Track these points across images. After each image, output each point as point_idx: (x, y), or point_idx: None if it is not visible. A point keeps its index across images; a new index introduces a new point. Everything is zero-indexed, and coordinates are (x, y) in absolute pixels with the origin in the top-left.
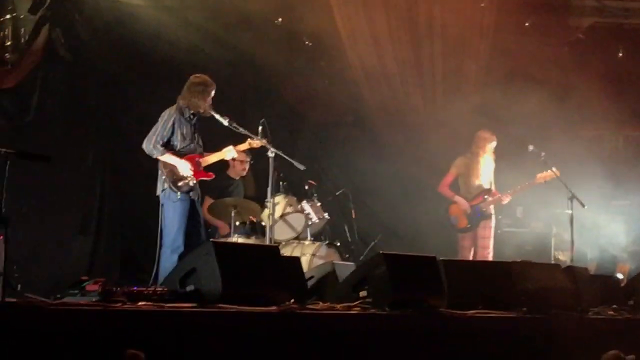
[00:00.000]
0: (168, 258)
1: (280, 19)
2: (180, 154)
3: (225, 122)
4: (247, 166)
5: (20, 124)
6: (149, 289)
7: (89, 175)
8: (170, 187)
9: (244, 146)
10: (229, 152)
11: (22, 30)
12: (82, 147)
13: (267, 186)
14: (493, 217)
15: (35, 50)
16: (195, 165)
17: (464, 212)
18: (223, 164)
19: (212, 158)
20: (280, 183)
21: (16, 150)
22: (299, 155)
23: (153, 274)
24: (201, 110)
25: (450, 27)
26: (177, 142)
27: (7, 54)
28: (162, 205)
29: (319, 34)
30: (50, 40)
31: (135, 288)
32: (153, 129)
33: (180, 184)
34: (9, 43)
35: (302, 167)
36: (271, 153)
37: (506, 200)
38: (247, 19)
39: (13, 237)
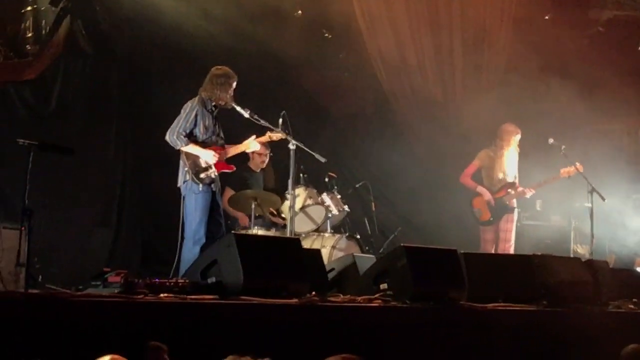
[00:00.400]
0: (190, 250)
1: (299, 11)
2: (203, 146)
3: (246, 114)
4: (266, 159)
5: (41, 115)
6: (171, 280)
7: (110, 167)
8: (193, 179)
9: (264, 138)
10: (252, 144)
11: (43, 22)
12: (103, 138)
13: (287, 178)
14: (516, 210)
15: (56, 42)
16: (219, 156)
17: (487, 204)
18: (243, 156)
19: (234, 150)
20: (301, 175)
21: (39, 142)
22: (319, 148)
23: (174, 266)
24: (222, 102)
25: (470, 18)
26: (200, 134)
27: (28, 46)
28: (184, 197)
29: (338, 25)
30: (72, 32)
31: (157, 280)
32: (176, 121)
33: (202, 175)
34: (30, 35)
35: (323, 160)
36: (292, 145)
37: (529, 194)
38: (266, 11)
39: (35, 229)
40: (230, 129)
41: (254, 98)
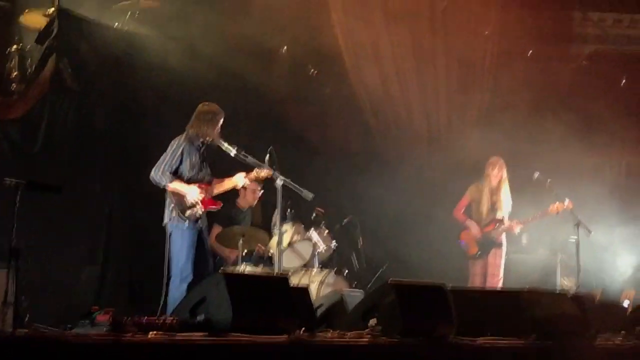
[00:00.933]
0: (177, 288)
1: (285, 47)
2: (188, 183)
3: (233, 152)
4: (258, 195)
5: (28, 154)
6: (159, 318)
7: (97, 205)
8: (179, 216)
9: (252, 176)
10: (240, 180)
11: (29, 60)
12: (90, 176)
13: (275, 214)
14: (504, 245)
15: (42, 81)
16: (204, 194)
17: (475, 238)
18: (232, 193)
19: (221, 187)
20: (288, 211)
21: (27, 181)
22: (306, 183)
23: (161, 304)
24: (210, 139)
25: (454, 54)
26: (186, 171)
27: (14, 85)
28: (170, 234)
29: (323, 61)
30: (58, 70)
31: (145, 318)
32: (162, 158)
33: (188, 212)
34: (15, 74)
35: (310, 196)
36: (279, 181)
37: (517, 229)
38: (252, 48)
39: (22, 267)
40: (219, 165)
41: (240, 134)
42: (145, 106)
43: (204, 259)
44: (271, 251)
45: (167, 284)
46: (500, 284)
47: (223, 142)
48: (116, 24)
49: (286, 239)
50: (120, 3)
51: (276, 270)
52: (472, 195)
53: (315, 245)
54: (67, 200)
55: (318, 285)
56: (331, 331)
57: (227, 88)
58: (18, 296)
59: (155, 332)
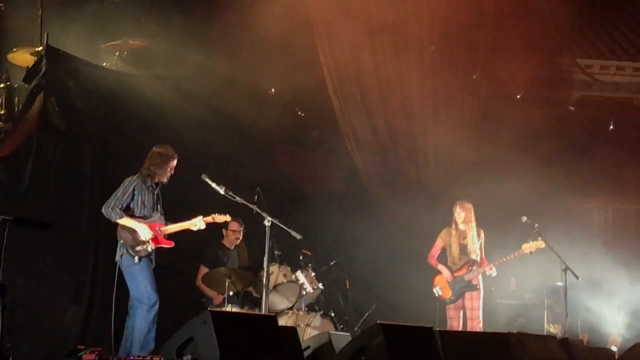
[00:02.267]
0: (144, 317)
1: (272, 89)
2: (138, 221)
3: (222, 191)
4: (240, 236)
5: (14, 193)
6: (146, 357)
7: (82, 244)
8: (128, 252)
9: (208, 219)
10: (197, 223)
11: (16, 99)
12: (76, 215)
13: (260, 255)
14: (481, 288)
15: (29, 119)
16: (156, 232)
17: (447, 282)
18: (218, 234)
19: (176, 227)
20: (275, 252)
21: (14, 217)
22: (293, 225)
23: (122, 343)
24: (163, 180)
25: (442, 97)
26: (137, 209)
27: (0, 123)
28: (123, 271)
29: (311, 104)
30: (45, 109)
31: (132, 357)
32: (113, 194)
33: (137, 248)
34: (2, 112)
35: (298, 236)
36: (267, 222)
37: (491, 271)
38: (240, 89)
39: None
40: (203, 202)
41: (228, 174)
42: (133, 145)
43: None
44: (257, 293)
45: (128, 321)
46: (479, 328)
47: (211, 182)
48: (105, 63)
49: (272, 281)
50: (109, 43)
51: (263, 312)
52: (444, 239)
53: (301, 287)
54: (53, 239)
55: (304, 327)
56: None
57: (215, 128)
58: (3, 334)
59: None
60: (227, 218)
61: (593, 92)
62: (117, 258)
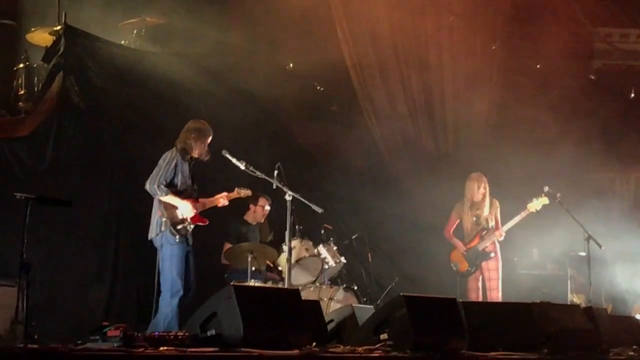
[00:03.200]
0: (168, 303)
1: (291, 65)
2: (180, 197)
3: (242, 166)
4: (266, 212)
5: (35, 172)
6: (170, 333)
7: (104, 222)
8: (170, 231)
9: (233, 195)
10: (222, 200)
11: (36, 79)
12: (97, 194)
13: (282, 231)
14: (499, 258)
15: (49, 99)
16: (196, 209)
17: (462, 255)
18: (241, 210)
19: (206, 205)
20: (296, 227)
21: (36, 195)
22: (313, 200)
23: (152, 320)
24: (196, 155)
25: (460, 69)
26: (178, 184)
27: (21, 103)
28: (160, 248)
29: (330, 78)
30: (64, 88)
31: (156, 333)
32: (156, 170)
33: (179, 227)
34: (22, 92)
35: (319, 210)
36: (288, 196)
37: (499, 235)
38: (259, 65)
39: (31, 285)
40: (221, 180)
41: (248, 150)
42: (152, 122)
43: (190, 275)
44: (280, 267)
45: (157, 300)
46: (499, 298)
47: (232, 157)
48: (123, 41)
49: (295, 255)
50: (126, 21)
51: (286, 286)
52: (458, 213)
53: (323, 261)
54: (75, 218)
55: (327, 301)
56: (342, 346)
57: (234, 104)
58: (28, 312)
59: (166, 347)
60: (249, 193)
61: (613, 60)
62: (152, 235)
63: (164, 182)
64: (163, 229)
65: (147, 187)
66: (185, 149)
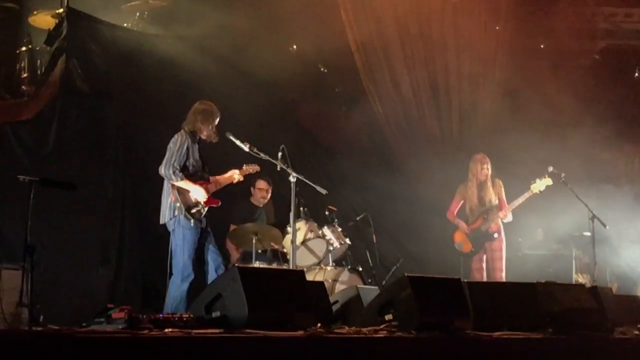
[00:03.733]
0: (178, 287)
1: (294, 46)
2: (192, 180)
3: (246, 148)
4: (267, 195)
5: (39, 155)
6: (175, 315)
7: (108, 206)
8: (185, 215)
9: (243, 171)
10: (234, 176)
11: (39, 62)
12: (101, 177)
13: (287, 213)
14: (503, 238)
15: (52, 82)
16: (207, 192)
17: (466, 236)
18: (246, 192)
19: (217, 185)
20: (301, 209)
21: (40, 178)
22: (318, 181)
23: (165, 303)
24: (204, 136)
25: (464, 49)
26: (190, 167)
27: (24, 86)
28: (173, 232)
29: (333, 60)
30: (67, 71)
31: (161, 315)
32: (169, 154)
33: (193, 211)
34: (25, 75)
35: (324, 192)
36: (292, 178)
37: (504, 216)
38: (262, 47)
39: (36, 268)
40: (225, 162)
41: (252, 132)
42: (156, 105)
43: (211, 256)
44: (284, 249)
45: (169, 284)
46: (502, 278)
47: (235, 139)
48: (125, 23)
49: (300, 237)
50: (129, 3)
51: (291, 267)
52: (461, 194)
53: (328, 243)
54: (79, 201)
55: (332, 282)
56: (347, 327)
57: (238, 86)
58: (32, 294)
59: (171, 328)
60: (257, 168)
61: (617, 40)
62: (165, 220)
63: (179, 167)
64: (177, 213)
65: (162, 171)
66: (193, 131)
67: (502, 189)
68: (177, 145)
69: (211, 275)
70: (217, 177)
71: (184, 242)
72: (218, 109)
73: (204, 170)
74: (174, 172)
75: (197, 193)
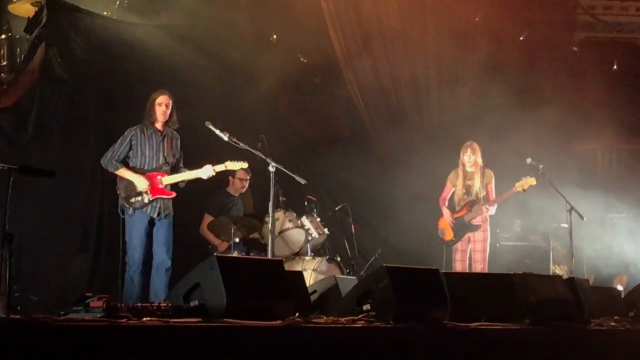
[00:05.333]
0: (130, 276)
1: (275, 36)
2: (139, 171)
3: (225, 138)
4: (246, 184)
5: (18, 143)
6: (153, 304)
7: (87, 193)
8: (124, 203)
9: (219, 167)
10: (206, 171)
11: (18, 50)
12: (79, 165)
13: (266, 202)
14: (485, 229)
15: (31, 70)
16: (155, 182)
17: (449, 224)
18: (222, 181)
19: (180, 177)
20: (280, 199)
21: (19, 166)
22: (297, 171)
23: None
24: (159, 126)
25: (444, 40)
26: (137, 159)
27: (3, 74)
28: (122, 220)
29: (313, 50)
30: (47, 59)
31: (139, 304)
32: (112, 146)
33: (132, 200)
34: (4, 63)
35: (303, 182)
36: (272, 168)
37: (487, 211)
38: (242, 36)
39: (14, 255)
40: (208, 150)
41: (231, 122)
42: (135, 94)
43: (157, 249)
44: (263, 240)
45: (124, 271)
46: (482, 270)
47: (215, 129)
48: (105, 12)
49: (278, 227)
50: None
51: (269, 257)
52: (452, 182)
53: (307, 233)
54: (57, 190)
55: (311, 272)
56: (325, 317)
57: (218, 75)
58: (11, 282)
59: (149, 317)
60: (244, 165)
61: (596, 32)
62: (118, 208)
63: (116, 157)
64: (120, 202)
65: (101, 162)
66: (148, 122)
67: (493, 180)
68: (122, 137)
69: (154, 270)
70: (179, 174)
71: (129, 231)
72: (201, 101)
73: (158, 161)
74: (108, 162)
75: (136, 182)
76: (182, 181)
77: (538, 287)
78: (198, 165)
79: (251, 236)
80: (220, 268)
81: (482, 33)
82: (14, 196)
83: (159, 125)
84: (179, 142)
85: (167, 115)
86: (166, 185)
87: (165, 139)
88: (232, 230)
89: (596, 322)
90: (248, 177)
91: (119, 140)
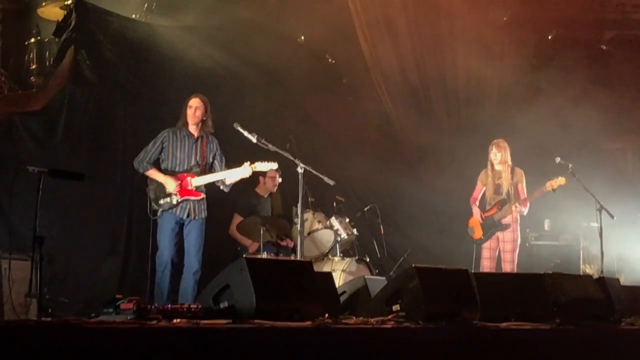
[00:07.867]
0: (159, 277)
1: (302, 37)
2: (170, 173)
3: (254, 139)
4: (277, 183)
5: (48, 146)
6: (183, 306)
7: (116, 195)
8: (153, 205)
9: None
10: (244, 170)
11: (47, 53)
12: (109, 167)
13: (295, 203)
14: (514, 229)
15: (61, 73)
16: (185, 183)
17: (479, 223)
18: (252, 182)
19: (210, 178)
20: (308, 200)
21: (49, 169)
22: (325, 172)
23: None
24: (192, 130)
25: (472, 40)
26: (168, 162)
27: (32, 77)
28: (152, 222)
29: (341, 51)
30: (76, 62)
31: (169, 305)
32: (144, 148)
33: (161, 201)
34: (34, 66)
35: (331, 183)
36: (300, 169)
37: (517, 209)
38: (270, 38)
39: (45, 258)
40: (238, 153)
41: (259, 124)
42: (164, 96)
43: (188, 250)
44: (293, 240)
45: (154, 273)
46: (511, 270)
47: (243, 130)
48: (134, 15)
49: (307, 227)
50: None
51: (298, 258)
52: (482, 182)
53: (336, 234)
54: (87, 192)
55: (340, 273)
56: (354, 317)
57: (245, 78)
58: (41, 286)
59: (179, 319)
60: (274, 165)
61: (626, 30)
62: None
63: (147, 159)
64: (149, 203)
65: (134, 163)
66: (179, 125)
67: (523, 179)
68: (154, 139)
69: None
70: (208, 175)
71: (159, 231)
72: (227, 103)
73: (189, 164)
74: (139, 164)
75: (166, 183)
76: (219, 182)
77: (568, 286)
78: (226, 167)
79: (282, 243)
80: (249, 270)
81: (510, 32)
82: (44, 199)
83: (192, 129)
84: (215, 145)
85: (198, 118)
86: (194, 187)
87: (199, 142)
88: (262, 231)
89: (627, 321)
90: (279, 176)
91: (151, 142)
